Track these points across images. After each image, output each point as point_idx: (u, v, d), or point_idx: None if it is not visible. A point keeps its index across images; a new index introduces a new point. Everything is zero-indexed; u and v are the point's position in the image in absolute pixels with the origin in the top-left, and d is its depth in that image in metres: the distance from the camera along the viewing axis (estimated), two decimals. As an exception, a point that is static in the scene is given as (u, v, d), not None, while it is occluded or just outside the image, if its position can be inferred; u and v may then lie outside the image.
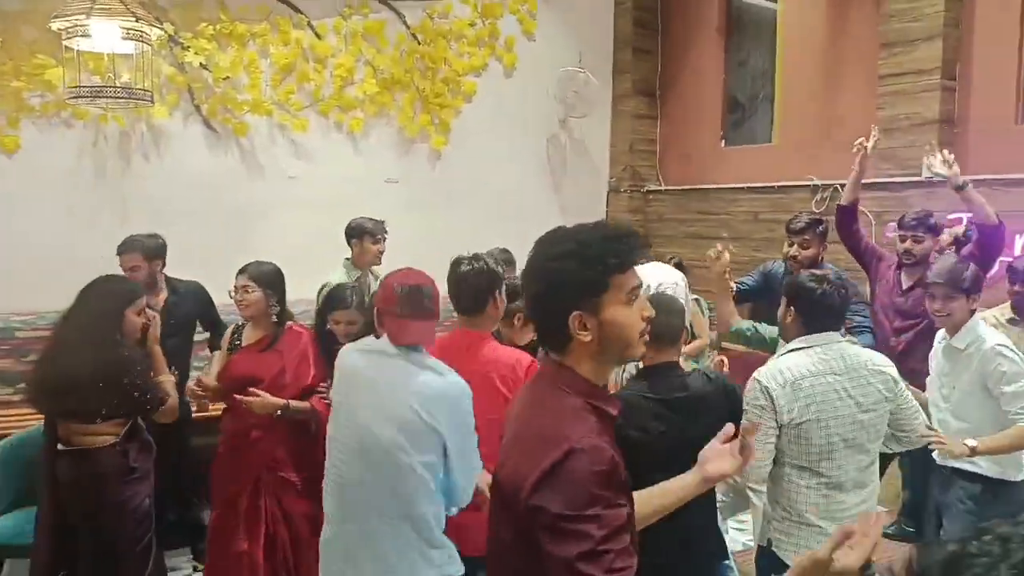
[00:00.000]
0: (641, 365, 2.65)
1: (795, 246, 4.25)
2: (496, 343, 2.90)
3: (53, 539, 3.01)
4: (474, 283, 2.81)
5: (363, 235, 4.77)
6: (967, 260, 3.48)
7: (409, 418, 2.32)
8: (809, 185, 6.00)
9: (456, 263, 2.87)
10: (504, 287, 2.88)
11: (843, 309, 2.70)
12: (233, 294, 3.43)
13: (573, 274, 1.47)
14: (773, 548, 2.68)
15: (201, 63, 5.45)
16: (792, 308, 2.70)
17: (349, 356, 2.56)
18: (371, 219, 4.84)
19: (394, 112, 6.22)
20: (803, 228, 4.25)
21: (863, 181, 4.61)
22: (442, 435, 2.32)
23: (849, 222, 4.36)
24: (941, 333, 3.44)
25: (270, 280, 3.46)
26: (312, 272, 5.63)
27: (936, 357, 3.45)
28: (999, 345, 3.13)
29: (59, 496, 2.99)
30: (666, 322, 2.50)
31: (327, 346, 3.37)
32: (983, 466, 3.20)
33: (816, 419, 2.58)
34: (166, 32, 5.07)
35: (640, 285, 1.54)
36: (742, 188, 6.53)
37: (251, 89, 5.66)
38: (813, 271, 2.83)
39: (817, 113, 6.14)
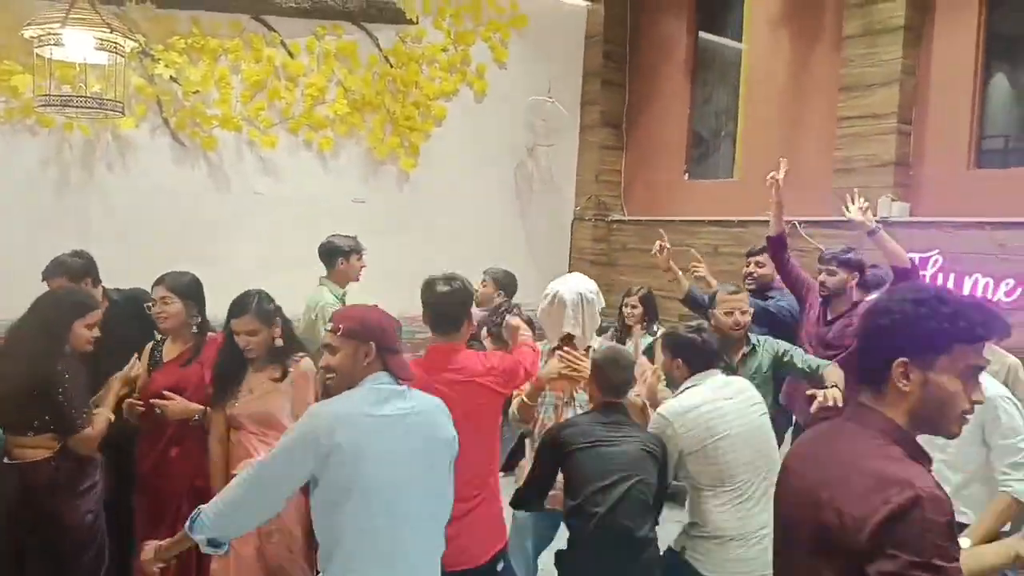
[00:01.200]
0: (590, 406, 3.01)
1: (751, 265, 4.73)
2: (469, 351, 2.94)
3: (5, 552, 2.95)
4: (454, 302, 2.83)
5: (350, 253, 4.70)
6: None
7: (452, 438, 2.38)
8: (768, 220, 6.13)
9: (432, 283, 2.86)
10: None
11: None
12: (151, 307, 3.30)
13: (921, 320, 1.49)
14: (687, 557, 2.88)
15: (171, 76, 5.44)
16: (679, 360, 3.04)
17: (353, 426, 2.20)
18: (346, 236, 4.78)
19: (364, 133, 6.25)
20: (760, 250, 4.73)
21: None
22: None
23: (778, 253, 4.45)
24: None
25: (190, 291, 3.33)
26: (277, 288, 5.59)
27: None
28: (1001, 396, 3.00)
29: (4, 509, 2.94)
30: (621, 376, 2.90)
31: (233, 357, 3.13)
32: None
33: (715, 441, 2.83)
34: (139, 44, 5.06)
35: (982, 369, 1.52)
36: (703, 221, 6.65)
37: (221, 104, 5.65)
38: (688, 324, 3.22)
39: (777, 151, 6.27)
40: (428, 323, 2.88)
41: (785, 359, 3.62)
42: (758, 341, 3.69)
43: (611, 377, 2.87)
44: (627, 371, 2.92)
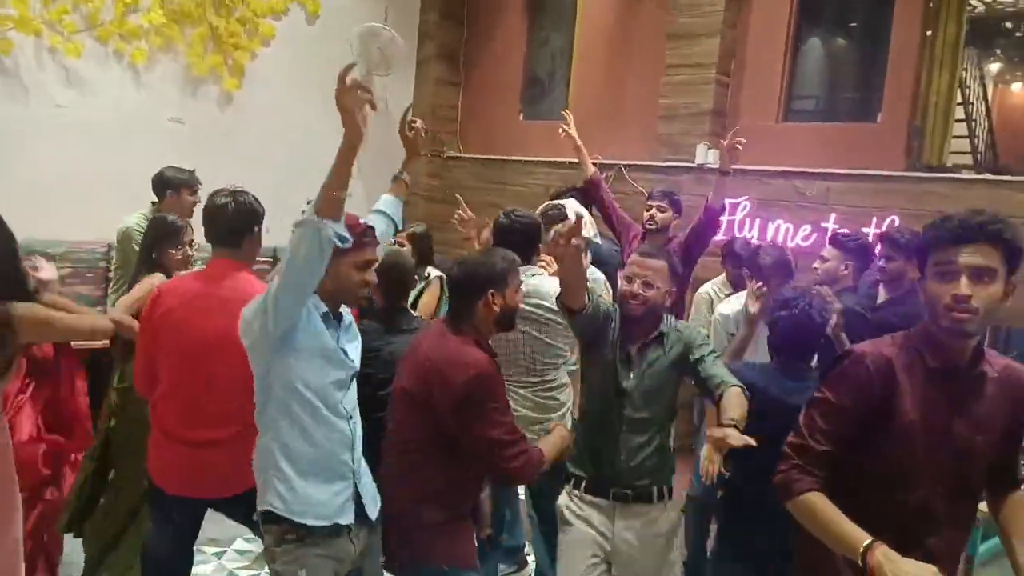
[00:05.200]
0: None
1: (653, 209, 4.41)
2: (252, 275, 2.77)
3: None
4: (233, 216, 2.70)
5: (180, 186, 4.36)
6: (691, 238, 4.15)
7: None
8: (596, 164, 6.31)
9: (212, 195, 2.76)
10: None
11: None
12: None
13: None
14: None
15: (-45, -33, 4.85)
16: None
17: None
18: (180, 168, 4.44)
19: (182, 47, 5.85)
20: (662, 195, 4.45)
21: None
22: None
23: (596, 193, 4.61)
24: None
25: None
26: (75, 208, 5.22)
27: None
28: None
29: None
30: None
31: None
32: None
33: None
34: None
35: None
36: (536, 162, 6.74)
37: (17, 3, 5.09)
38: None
39: (607, 96, 6.46)
40: (208, 237, 2.75)
41: (692, 357, 2.60)
42: (669, 327, 2.67)
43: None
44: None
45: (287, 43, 6.35)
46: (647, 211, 4.36)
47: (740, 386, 2.44)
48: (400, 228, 3.14)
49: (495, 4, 7.28)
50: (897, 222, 4.73)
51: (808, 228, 5.19)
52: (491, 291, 2.39)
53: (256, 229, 2.79)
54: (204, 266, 2.86)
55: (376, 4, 6.85)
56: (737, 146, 4.02)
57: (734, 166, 4.57)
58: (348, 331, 2.38)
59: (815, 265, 3.81)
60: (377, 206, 2.86)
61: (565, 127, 4.60)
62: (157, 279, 3.26)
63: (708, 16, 5.65)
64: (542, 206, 3.91)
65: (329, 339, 2.26)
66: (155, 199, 4.40)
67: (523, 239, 3.25)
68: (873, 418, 1.86)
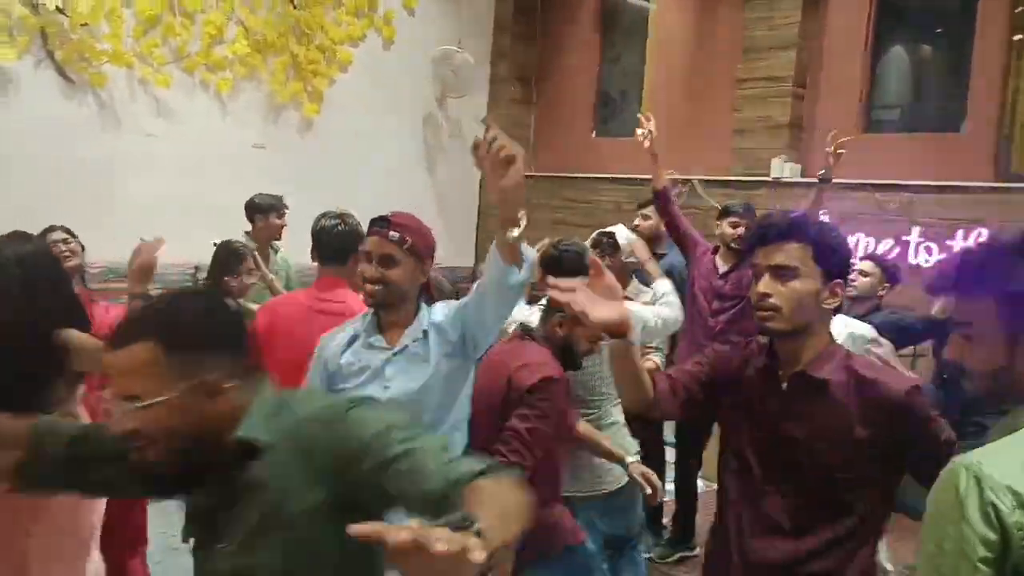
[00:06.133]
0: None
1: (638, 217, 4.70)
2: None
3: None
4: (342, 234, 2.93)
5: (269, 211, 4.71)
6: None
7: None
8: (670, 178, 6.26)
9: (319, 218, 2.99)
10: None
11: None
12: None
13: None
14: None
15: (57, 6, 5.14)
16: None
17: None
18: (269, 195, 4.77)
19: (265, 76, 6.06)
20: (647, 202, 4.75)
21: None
22: None
23: (664, 206, 4.45)
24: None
25: None
26: (164, 232, 5.41)
27: None
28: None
29: None
30: None
31: None
32: None
33: None
34: (18, -31, 4.76)
35: None
36: (607, 179, 6.74)
37: (111, 38, 5.37)
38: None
39: (680, 111, 6.42)
40: (315, 256, 2.98)
41: None
42: None
43: None
44: None
45: (364, 69, 6.51)
46: (732, 228, 4.17)
47: None
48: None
49: (568, 23, 7.33)
50: (985, 235, 4.56)
51: (890, 242, 5.04)
52: (560, 316, 2.49)
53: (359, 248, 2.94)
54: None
55: (450, 28, 6.98)
56: (840, 152, 3.97)
57: (812, 179, 4.50)
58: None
59: (851, 279, 3.74)
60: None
61: (646, 129, 4.45)
62: None
63: (783, 29, 5.57)
64: (594, 234, 3.92)
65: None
66: (248, 224, 4.71)
67: (569, 272, 3.16)
68: (712, 390, 1.93)
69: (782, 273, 1.74)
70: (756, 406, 1.85)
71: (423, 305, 2.31)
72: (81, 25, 5.24)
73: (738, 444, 1.88)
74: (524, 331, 2.58)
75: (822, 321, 1.81)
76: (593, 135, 7.26)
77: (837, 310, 1.82)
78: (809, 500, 1.77)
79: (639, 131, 4.42)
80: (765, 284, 1.76)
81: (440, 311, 2.30)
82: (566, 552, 2.55)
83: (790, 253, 1.75)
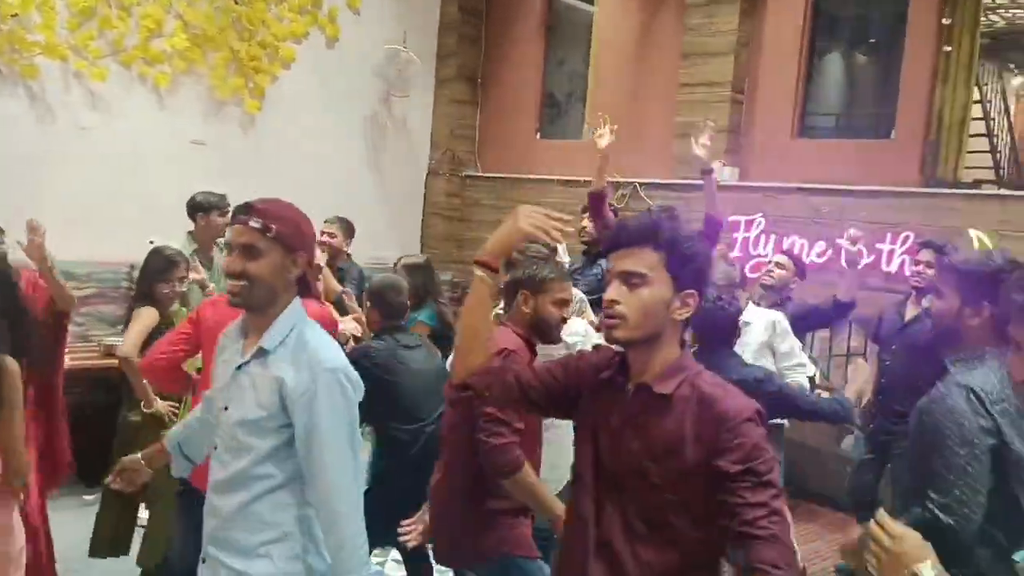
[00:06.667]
0: None
1: (584, 219, 4.68)
2: None
3: None
4: None
5: (211, 209, 4.60)
6: None
7: None
8: (611, 182, 6.34)
9: None
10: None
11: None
12: None
13: None
14: None
15: (-14, -4, 5.00)
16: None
17: None
18: (211, 193, 4.66)
19: (205, 71, 5.97)
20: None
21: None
22: None
23: (600, 209, 4.46)
24: None
25: None
26: (99, 229, 5.33)
27: None
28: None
29: None
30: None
31: None
32: None
33: None
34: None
35: None
36: (553, 180, 6.79)
37: (44, 29, 5.24)
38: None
39: (623, 114, 6.46)
40: None
41: None
42: None
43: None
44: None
45: (308, 66, 6.46)
46: None
47: None
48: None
49: (513, 25, 7.37)
50: (912, 238, 4.72)
51: (823, 244, 5.19)
52: (523, 291, 2.53)
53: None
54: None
55: (395, 27, 6.96)
56: (705, 144, 4.08)
57: (748, 182, 4.62)
58: None
59: (769, 270, 4.30)
60: None
61: (600, 132, 4.48)
62: (147, 315, 3.41)
63: (721, 35, 5.69)
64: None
65: None
66: (191, 223, 4.62)
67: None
68: (564, 394, 1.81)
69: (631, 280, 1.64)
70: (600, 418, 1.73)
71: (293, 308, 1.96)
72: (11, 15, 5.10)
73: (581, 455, 1.76)
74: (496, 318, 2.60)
75: (672, 332, 1.69)
76: (538, 136, 7.31)
77: (687, 324, 1.71)
78: (641, 520, 1.63)
79: (597, 132, 4.44)
80: (614, 290, 1.65)
81: (309, 360, 1.89)
82: (520, 561, 2.53)
83: (641, 259, 1.64)
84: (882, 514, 1.53)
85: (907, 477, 2.26)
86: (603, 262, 4.69)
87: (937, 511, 1.89)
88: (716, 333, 3.08)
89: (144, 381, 3.44)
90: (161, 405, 3.58)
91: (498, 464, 2.36)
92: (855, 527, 2.22)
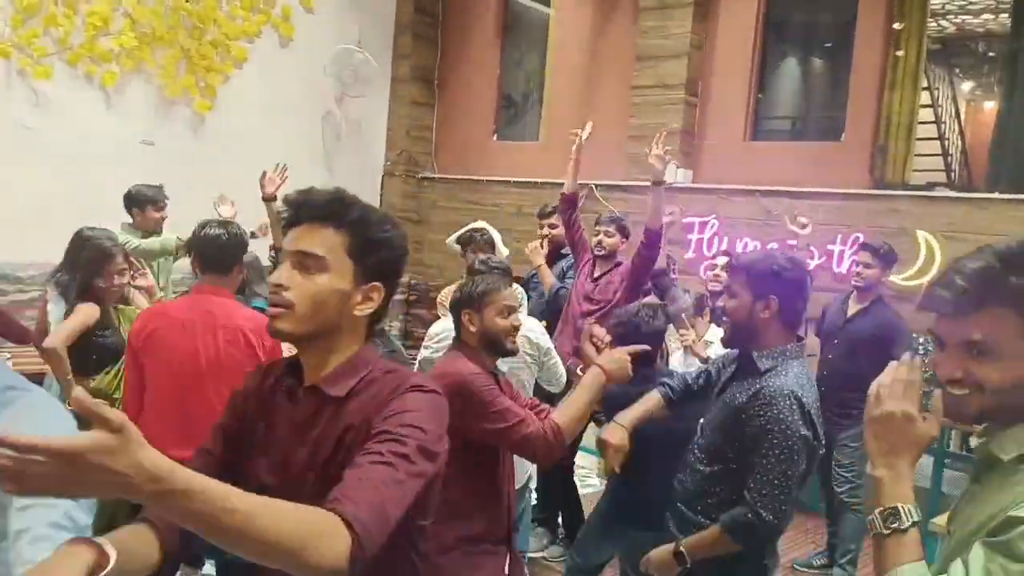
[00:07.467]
0: None
1: (545, 227, 4.84)
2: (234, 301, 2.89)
3: None
4: (225, 245, 2.83)
5: (147, 203, 4.52)
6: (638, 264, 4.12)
7: None
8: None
9: (202, 226, 2.88)
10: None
11: None
12: None
13: None
14: None
15: (-77, -10, 4.85)
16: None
17: None
18: (149, 186, 4.59)
19: (154, 70, 5.86)
20: (552, 211, 4.86)
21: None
22: None
23: (569, 210, 4.54)
24: None
25: None
26: (45, 230, 5.20)
27: None
28: None
29: None
30: None
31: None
32: None
33: None
34: None
35: None
36: (509, 182, 6.79)
37: (-15, 27, 5.11)
38: None
39: (579, 116, 6.50)
40: (195, 265, 2.87)
41: None
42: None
43: None
44: None
45: (260, 66, 6.37)
46: (595, 236, 4.36)
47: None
48: None
49: (469, 25, 7.35)
50: (861, 239, 4.80)
51: (775, 246, 5.24)
52: (466, 311, 2.46)
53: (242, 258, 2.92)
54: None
55: (349, 26, 6.90)
56: (660, 153, 4.10)
57: (702, 184, 4.66)
58: None
59: (715, 273, 4.35)
60: None
61: (579, 132, 4.62)
62: (85, 312, 3.25)
63: (675, 38, 5.74)
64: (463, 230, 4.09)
65: None
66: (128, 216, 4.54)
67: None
68: (238, 433, 1.49)
69: (306, 263, 1.38)
70: (266, 429, 1.46)
71: None
72: (-49, 11, 4.96)
73: (250, 473, 1.44)
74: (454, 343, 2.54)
75: (353, 330, 1.44)
76: (495, 138, 7.29)
77: (374, 319, 1.47)
78: None
79: (574, 134, 4.55)
80: (284, 273, 1.39)
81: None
82: None
83: (320, 239, 1.39)
84: None
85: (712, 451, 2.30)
86: (563, 263, 4.74)
87: (758, 508, 2.08)
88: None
89: (68, 373, 3.21)
90: (92, 385, 3.28)
91: (540, 450, 2.29)
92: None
